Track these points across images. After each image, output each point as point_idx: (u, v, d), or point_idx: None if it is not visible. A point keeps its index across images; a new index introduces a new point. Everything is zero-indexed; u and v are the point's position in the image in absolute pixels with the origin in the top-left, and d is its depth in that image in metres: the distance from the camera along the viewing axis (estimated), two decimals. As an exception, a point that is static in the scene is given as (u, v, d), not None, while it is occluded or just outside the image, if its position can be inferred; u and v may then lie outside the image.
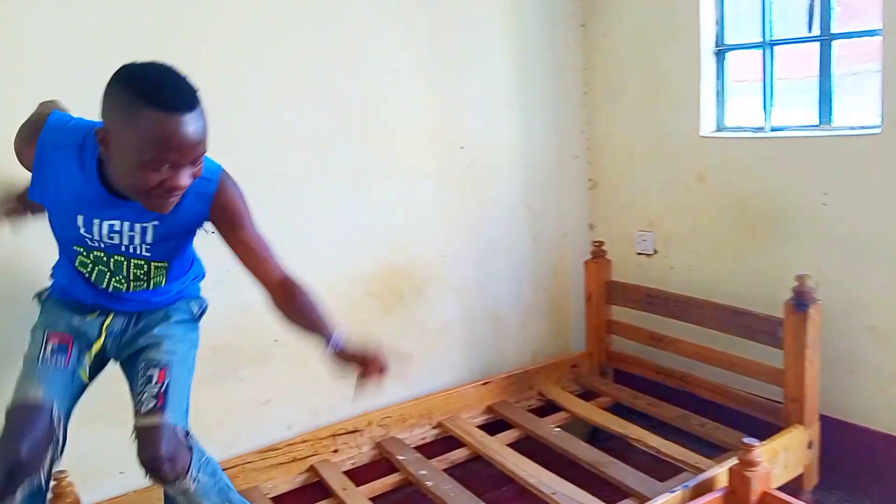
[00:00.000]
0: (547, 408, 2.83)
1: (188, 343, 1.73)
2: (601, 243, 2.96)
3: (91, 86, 1.98)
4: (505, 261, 2.96)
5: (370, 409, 2.56)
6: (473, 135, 2.80)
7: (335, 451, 2.44)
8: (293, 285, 1.60)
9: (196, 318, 1.79)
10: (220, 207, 1.54)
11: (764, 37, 2.55)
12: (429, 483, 2.28)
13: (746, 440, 1.88)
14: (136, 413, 1.56)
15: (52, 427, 1.50)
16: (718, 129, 2.72)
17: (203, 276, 1.85)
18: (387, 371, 1.56)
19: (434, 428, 2.65)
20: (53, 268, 1.73)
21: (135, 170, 1.30)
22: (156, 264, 1.62)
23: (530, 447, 2.52)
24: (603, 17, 2.96)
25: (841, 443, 2.37)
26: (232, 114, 2.23)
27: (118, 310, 1.68)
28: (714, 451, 2.38)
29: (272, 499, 2.26)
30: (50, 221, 1.59)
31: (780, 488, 1.98)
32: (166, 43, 2.11)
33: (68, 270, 1.64)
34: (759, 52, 2.57)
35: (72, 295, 1.67)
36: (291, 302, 1.59)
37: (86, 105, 1.98)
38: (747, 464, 1.86)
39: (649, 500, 1.99)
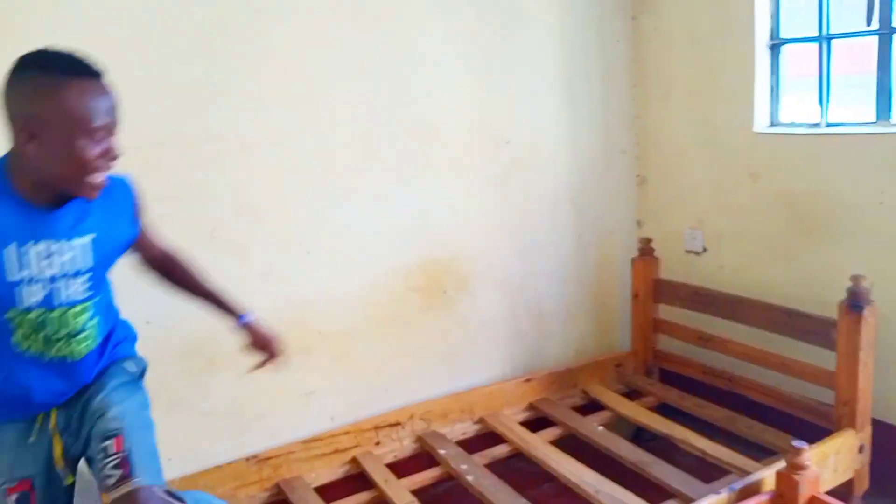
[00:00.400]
0: (590, 406, 2.81)
1: (136, 402, 1.59)
2: (649, 240, 2.91)
3: (144, 80, 2.05)
4: (549, 257, 2.94)
5: (412, 402, 2.58)
6: (519, 129, 2.78)
7: (377, 443, 2.45)
8: (178, 256, 1.76)
9: (138, 378, 1.68)
10: (138, 205, 1.61)
11: (821, 30, 2.47)
12: (469, 478, 2.28)
13: (795, 443, 1.83)
14: (105, 490, 1.40)
15: None
16: (772, 125, 2.65)
17: (135, 339, 1.75)
18: (279, 355, 1.80)
19: (475, 423, 2.65)
20: None
21: (74, 147, 1.29)
22: (95, 301, 1.50)
23: (572, 445, 2.50)
24: (654, 10, 2.91)
25: (893, 448, 2.29)
26: (279, 108, 2.28)
27: (60, 398, 1.54)
28: (762, 453, 2.33)
29: (315, 489, 2.28)
30: None
31: (829, 493, 1.92)
32: (216, 39, 2.15)
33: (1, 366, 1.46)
34: (815, 45, 2.50)
35: (7, 402, 1.48)
36: (179, 270, 1.76)
37: (139, 99, 2.05)
38: (796, 467, 1.82)
39: (694, 501, 1.96)
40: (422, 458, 2.50)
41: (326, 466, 2.36)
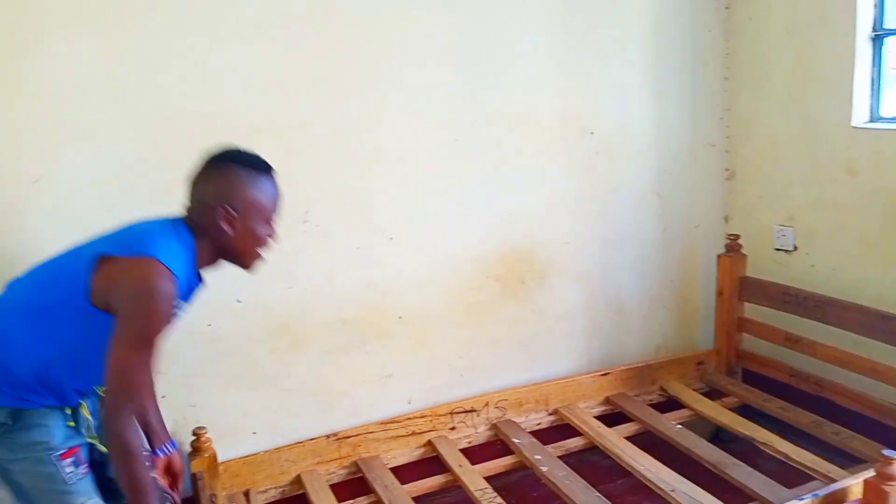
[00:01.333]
0: (668, 404, 2.76)
1: None
2: (736, 237, 2.83)
3: (243, 71, 2.13)
4: (631, 250, 2.89)
5: (488, 389, 2.60)
6: (604, 120, 2.74)
7: (452, 428, 2.48)
8: None
9: None
10: None
11: (931, 20, 2.34)
12: (544, 468, 2.29)
13: (886, 452, 1.75)
14: None
15: None
16: (872, 120, 2.53)
17: None
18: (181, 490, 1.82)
19: (550, 415, 2.64)
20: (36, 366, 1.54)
21: (260, 229, 1.57)
22: None
23: (649, 442, 2.46)
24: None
25: None
26: (367, 96, 2.32)
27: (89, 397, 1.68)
28: (849, 461, 2.24)
29: (391, 469, 2.33)
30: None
31: (921, 507, 1.84)
32: (307, 30, 2.21)
33: (80, 368, 1.57)
34: (924, 36, 2.37)
35: (56, 395, 1.57)
36: None
37: (239, 88, 2.13)
38: (885, 477, 1.73)
39: (774, 506, 1.91)
40: (495, 445, 2.52)
41: (402, 448, 2.41)
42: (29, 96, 1.93)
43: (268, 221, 1.58)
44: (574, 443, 2.50)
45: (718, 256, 2.85)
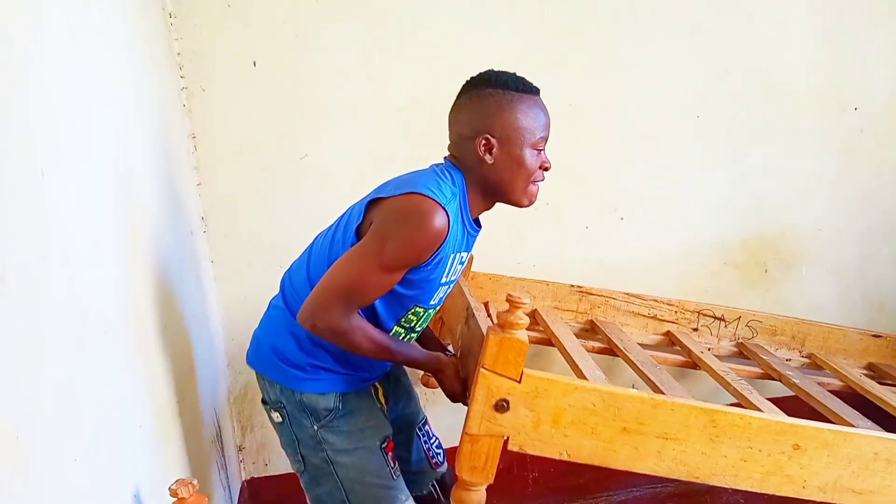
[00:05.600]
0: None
1: None
2: None
3: (490, 53, 2.20)
4: (897, 241, 2.64)
5: (742, 306, 2.38)
6: (872, 94, 2.56)
7: (695, 329, 2.28)
8: None
9: None
10: None
11: None
12: (795, 381, 2.02)
13: None
14: (436, 464, 1.75)
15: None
16: None
17: None
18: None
19: (803, 357, 2.35)
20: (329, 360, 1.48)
21: (525, 156, 1.37)
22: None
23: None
24: None
25: None
26: (605, 73, 2.32)
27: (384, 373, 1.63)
28: None
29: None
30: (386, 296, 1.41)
31: None
32: (544, 11, 2.25)
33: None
34: None
35: (367, 369, 1.53)
36: None
37: (484, 68, 2.07)
38: None
39: None
40: (738, 361, 2.27)
41: (640, 328, 2.25)
42: (300, 82, 2.11)
43: (535, 148, 1.38)
44: (831, 382, 2.19)
45: None
